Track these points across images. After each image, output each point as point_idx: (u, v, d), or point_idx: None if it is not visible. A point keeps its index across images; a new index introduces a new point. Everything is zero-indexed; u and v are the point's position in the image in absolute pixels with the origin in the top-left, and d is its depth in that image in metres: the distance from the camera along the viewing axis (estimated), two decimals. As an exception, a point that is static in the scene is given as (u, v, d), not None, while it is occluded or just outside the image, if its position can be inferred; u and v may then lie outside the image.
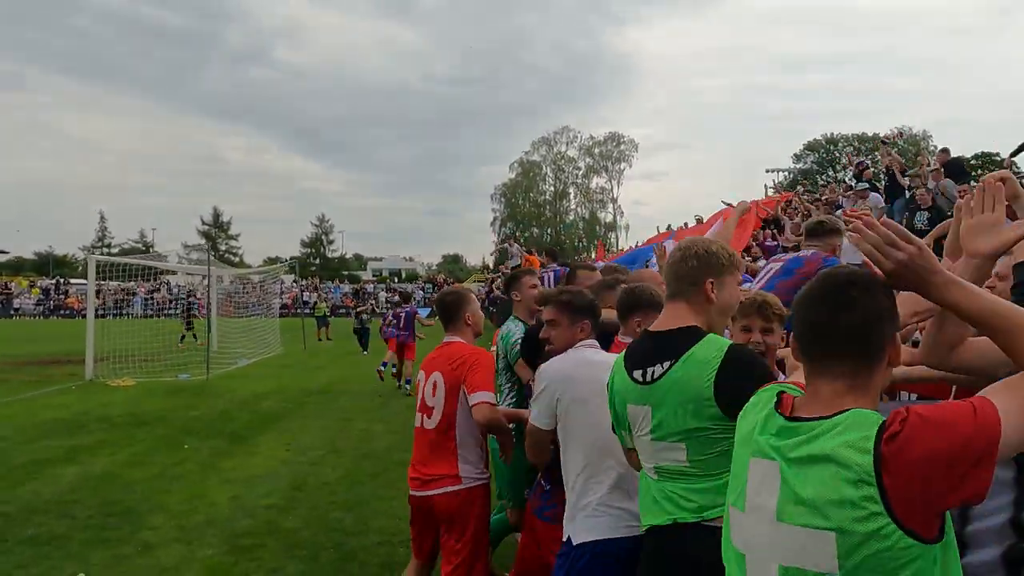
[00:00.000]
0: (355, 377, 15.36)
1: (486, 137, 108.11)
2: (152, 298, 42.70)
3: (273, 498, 6.29)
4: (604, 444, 2.75)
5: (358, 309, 26.04)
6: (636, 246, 20.46)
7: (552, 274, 6.22)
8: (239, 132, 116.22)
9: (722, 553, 1.65)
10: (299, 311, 30.38)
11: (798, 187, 24.67)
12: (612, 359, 2.92)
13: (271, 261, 61.61)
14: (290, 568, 4.76)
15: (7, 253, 62.34)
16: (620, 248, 46.30)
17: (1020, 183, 2.23)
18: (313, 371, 16.78)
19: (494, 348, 4.37)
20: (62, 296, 51.21)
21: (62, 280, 55.59)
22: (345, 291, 53.35)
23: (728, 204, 7.61)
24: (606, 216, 72.83)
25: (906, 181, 13.40)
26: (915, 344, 2.87)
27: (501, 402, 4.05)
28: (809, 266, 4.12)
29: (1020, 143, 9.72)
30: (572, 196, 73.79)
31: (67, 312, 47.47)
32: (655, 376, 2.23)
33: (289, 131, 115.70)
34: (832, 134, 59.15)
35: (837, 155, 56.60)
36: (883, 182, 14.73)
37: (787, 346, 2.30)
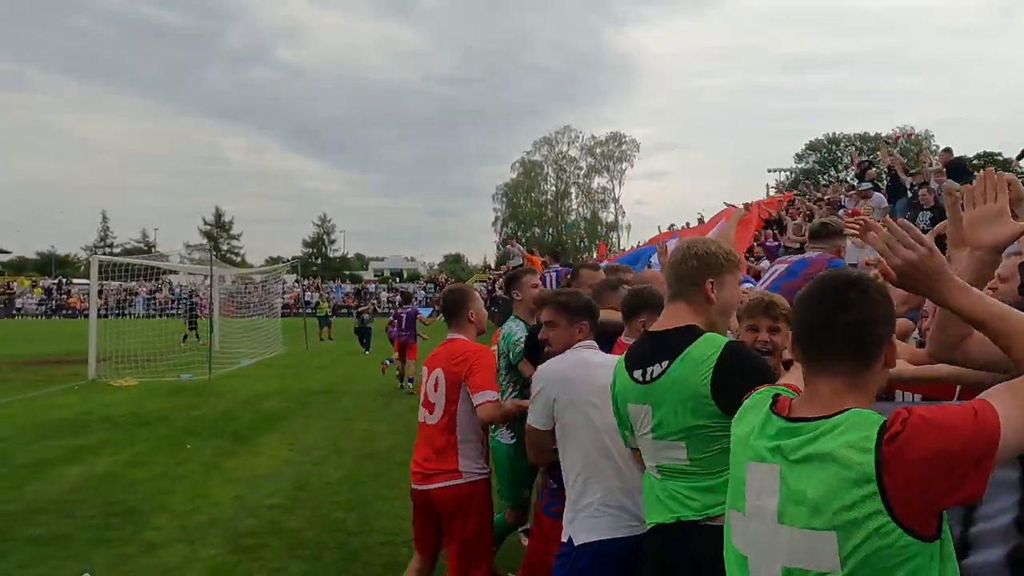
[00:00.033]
0: (357, 377, 15.37)
1: (487, 137, 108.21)
2: (154, 298, 42.74)
3: (276, 498, 6.30)
4: (602, 445, 2.76)
5: (360, 309, 26.07)
6: (638, 246, 20.45)
7: (554, 274, 6.26)
8: (240, 132, 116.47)
9: (724, 554, 1.66)
10: (301, 311, 30.42)
11: (799, 186, 24.67)
12: (610, 360, 2.93)
13: (273, 261, 61.63)
14: (293, 568, 4.76)
15: (9, 253, 62.31)
16: (622, 248, 46.32)
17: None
18: (315, 371, 16.80)
19: (495, 347, 4.37)
20: (64, 296, 51.27)
21: (64, 280, 55.65)
22: (347, 291, 53.41)
23: (729, 205, 7.62)
24: (608, 216, 72.90)
25: (909, 180, 13.39)
26: (920, 344, 2.87)
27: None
28: (814, 268, 4.13)
29: None
30: (574, 196, 73.84)
31: (69, 312, 47.52)
32: (654, 375, 2.25)
33: (291, 131, 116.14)
34: (834, 134, 59.07)
35: (839, 155, 56.54)
36: (885, 182, 14.72)
37: None
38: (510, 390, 4.20)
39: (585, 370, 2.90)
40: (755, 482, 1.51)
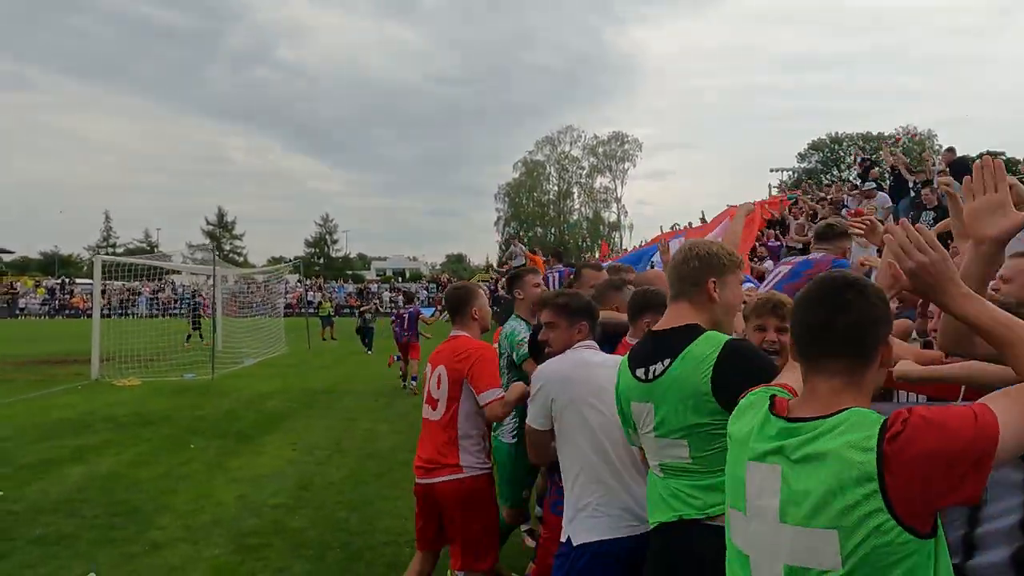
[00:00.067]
0: (359, 377, 15.39)
1: (489, 137, 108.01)
2: (157, 298, 42.81)
3: (279, 498, 6.31)
4: (600, 445, 2.78)
5: (362, 308, 26.09)
6: (640, 245, 20.44)
7: (557, 274, 6.26)
8: (242, 132, 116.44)
9: (726, 553, 1.67)
10: (303, 311, 30.44)
11: (802, 185, 24.62)
12: (610, 360, 2.95)
13: (275, 261, 61.69)
14: (297, 568, 4.77)
15: (12, 253, 62.57)
16: (624, 248, 46.28)
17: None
18: (318, 371, 16.82)
19: (496, 346, 4.38)
20: (67, 296, 51.38)
21: (67, 280, 55.77)
22: (349, 291, 53.46)
23: (732, 206, 7.61)
24: (610, 216, 72.76)
25: (912, 179, 13.39)
26: (925, 344, 2.87)
27: None
28: (818, 268, 4.12)
29: None
30: (576, 196, 73.71)
31: (72, 312, 47.63)
32: (656, 374, 2.27)
33: (292, 131, 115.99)
34: (837, 133, 58.99)
35: (842, 154, 56.46)
36: (888, 181, 14.71)
37: None
38: None
39: (584, 370, 2.92)
40: (756, 482, 1.52)
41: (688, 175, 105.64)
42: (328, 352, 21.82)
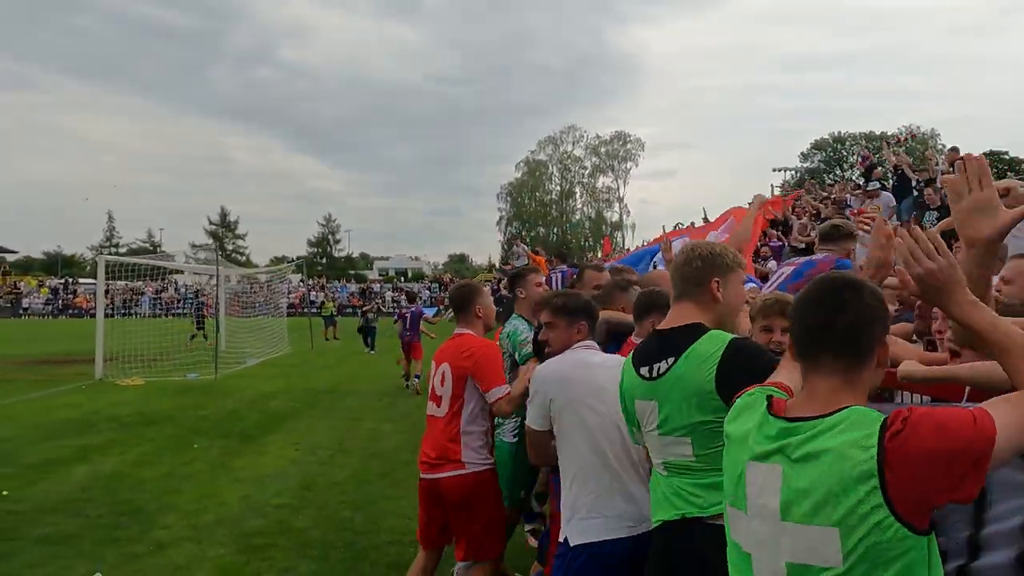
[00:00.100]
0: (362, 376, 15.41)
1: (492, 137, 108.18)
2: (160, 298, 42.87)
3: (283, 498, 6.32)
4: (597, 446, 2.78)
5: (364, 308, 26.11)
6: (643, 245, 20.43)
7: (560, 275, 6.23)
8: (245, 132, 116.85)
9: (727, 550, 1.69)
10: (306, 310, 30.46)
11: (805, 185, 24.61)
12: (610, 360, 2.96)
13: (278, 261, 61.73)
14: (301, 568, 4.78)
15: (16, 253, 62.66)
16: (626, 248, 46.29)
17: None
18: (320, 370, 16.84)
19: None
20: (71, 296, 51.45)
21: (71, 280, 55.87)
22: (352, 290, 53.45)
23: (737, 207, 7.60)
24: (612, 215, 72.79)
25: (915, 179, 13.38)
26: (929, 344, 2.87)
27: None
28: (820, 269, 4.11)
29: None
30: (578, 195, 73.73)
31: (76, 312, 47.69)
32: (660, 372, 2.28)
33: (295, 131, 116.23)
34: (840, 133, 58.97)
35: (845, 154, 56.44)
36: (891, 181, 14.69)
37: None
38: None
39: (583, 371, 2.93)
40: (757, 481, 1.54)
41: (690, 175, 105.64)
42: (331, 352, 21.84)
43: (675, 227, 17.01)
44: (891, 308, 3.07)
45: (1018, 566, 1.83)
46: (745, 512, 1.58)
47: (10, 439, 8.77)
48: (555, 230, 71.62)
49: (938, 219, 10.22)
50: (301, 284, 48.58)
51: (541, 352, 3.84)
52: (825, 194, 17.73)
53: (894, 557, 1.35)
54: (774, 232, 15.09)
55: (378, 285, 56.42)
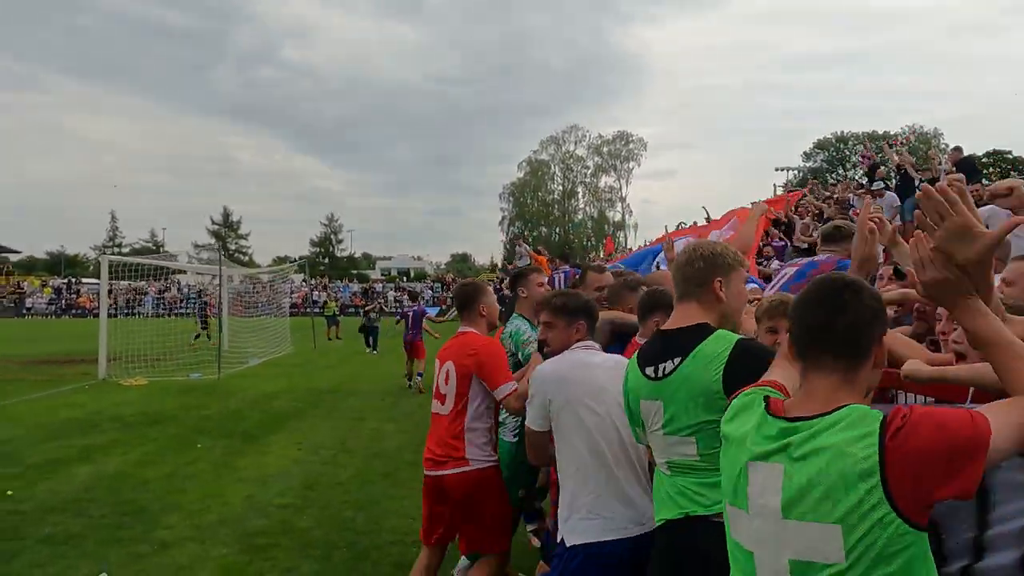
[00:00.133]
0: (365, 376, 15.42)
1: (494, 136, 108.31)
2: (163, 297, 42.94)
3: (286, 497, 6.33)
4: (596, 446, 2.79)
5: (366, 308, 26.14)
6: (645, 245, 20.42)
7: (563, 275, 6.24)
8: (248, 132, 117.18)
9: (728, 549, 1.71)
10: (309, 310, 30.49)
11: (808, 184, 24.59)
12: (610, 360, 2.97)
13: (280, 260, 61.85)
14: (304, 568, 4.79)
15: (19, 252, 62.79)
16: (629, 248, 46.28)
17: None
18: (323, 370, 16.85)
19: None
20: (74, 296, 51.58)
21: (74, 280, 55.98)
22: (354, 290, 53.52)
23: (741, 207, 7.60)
24: (615, 215, 72.80)
25: (918, 178, 13.35)
26: (932, 344, 2.86)
27: None
28: (822, 270, 4.11)
29: None
30: (581, 195, 73.77)
31: (79, 311, 47.79)
32: (666, 372, 2.29)
33: (298, 131, 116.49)
34: (842, 132, 58.89)
35: (847, 153, 56.35)
36: (894, 180, 14.67)
37: None
38: None
39: (581, 371, 2.93)
40: (758, 481, 1.57)
41: (694, 174, 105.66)
42: (333, 352, 21.86)
43: (677, 227, 17.00)
44: (890, 311, 3.07)
45: (1022, 567, 1.84)
46: (747, 511, 1.59)
47: (14, 439, 8.80)
48: (557, 230, 71.64)
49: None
50: (304, 284, 48.64)
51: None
52: (828, 194, 17.71)
53: (895, 553, 1.38)
54: (776, 232, 15.07)
55: (380, 285, 56.46)
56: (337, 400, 12.08)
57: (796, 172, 44.05)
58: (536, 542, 4.95)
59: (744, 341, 2.27)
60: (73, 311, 48.83)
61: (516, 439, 4.14)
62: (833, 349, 1.57)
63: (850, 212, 12.32)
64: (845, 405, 1.50)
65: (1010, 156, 36.58)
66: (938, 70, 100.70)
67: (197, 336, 22.88)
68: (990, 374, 1.79)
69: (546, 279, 4.83)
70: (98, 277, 18.04)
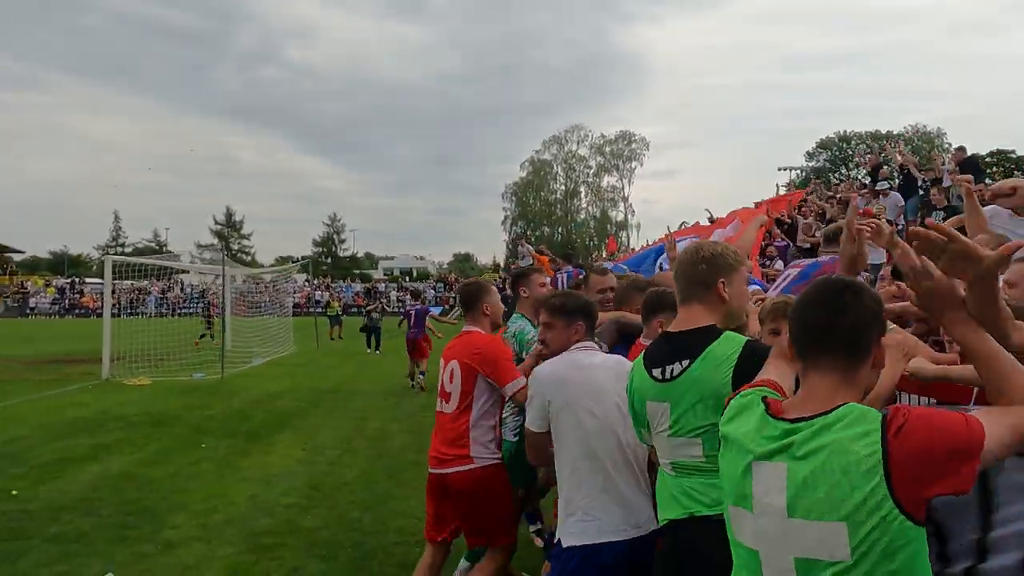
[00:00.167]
0: (368, 376, 15.44)
1: (497, 136, 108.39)
2: (165, 297, 43.02)
3: (291, 497, 6.35)
4: (593, 448, 2.79)
5: (368, 308, 26.18)
6: (647, 245, 20.41)
7: (565, 275, 6.26)
8: (251, 132, 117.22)
9: (732, 549, 1.73)
10: (312, 310, 30.54)
11: (811, 184, 24.55)
12: (610, 360, 2.98)
13: (283, 260, 61.85)
14: (311, 567, 4.81)
15: (23, 252, 62.95)
16: (631, 248, 46.24)
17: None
18: (326, 370, 16.88)
19: None
20: (77, 295, 51.66)
21: (77, 279, 56.08)
22: (357, 290, 53.54)
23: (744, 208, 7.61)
24: (617, 215, 72.76)
25: (921, 178, 13.34)
26: (936, 344, 2.87)
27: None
28: (826, 271, 4.13)
29: None
30: (583, 195, 73.79)
31: (82, 311, 47.88)
32: (674, 374, 2.29)
33: (300, 131, 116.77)
34: (845, 132, 58.76)
35: (850, 153, 56.22)
36: (897, 180, 14.66)
37: None
38: None
39: (580, 372, 2.93)
40: (762, 481, 1.58)
41: (696, 174, 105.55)
42: (336, 351, 21.89)
43: (680, 226, 17.00)
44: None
45: (1026, 568, 1.85)
46: (751, 511, 1.61)
47: (19, 439, 8.83)
48: (560, 229, 71.65)
49: (943, 219, 10.19)
50: (306, 284, 48.75)
51: None
52: (831, 193, 17.69)
53: (898, 549, 1.41)
54: (778, 232, 15.07)
55: (383, 284, 56.49)
56: (340, 400, 12.10)
57: (799, 172, 43.96)
58: (539, 542, 4.97)
59: (752, 343, 2.28)
60: (76, 311, 48.91)
61: (516, 438, 4.16)
62: (833, 349, 1.60)
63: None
64: (844, 404, 1.53)
65: (1014, 156, 36.43)
66: (941, 70, 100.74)
67: (202, 336, 22.93)
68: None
69: (548, 279, 4.85)
70: (101, 277, 18.08)
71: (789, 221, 14.59)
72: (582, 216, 72.88)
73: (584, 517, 2.75)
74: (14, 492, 6.45)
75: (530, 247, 22.60)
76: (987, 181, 13.75)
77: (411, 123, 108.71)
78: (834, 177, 47.47)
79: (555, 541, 2.86)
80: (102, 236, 72.43)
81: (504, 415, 4.03)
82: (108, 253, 38.56)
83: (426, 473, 3.87)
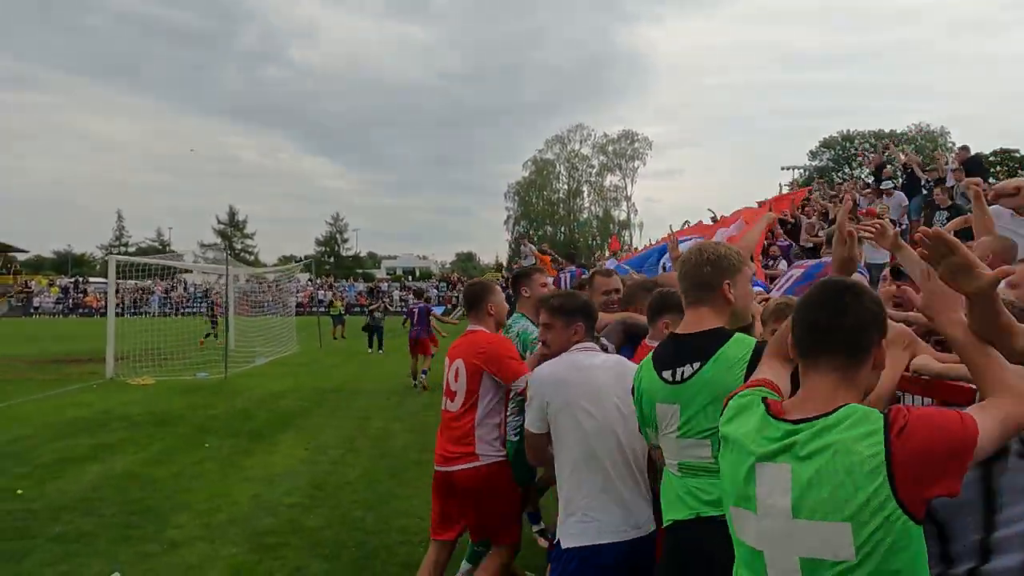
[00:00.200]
0: (371, 375, 15.46)
1: (499, 136, 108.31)
2: (169, 297, 43.09)
3: (294, 497, 6.36)
4: (590, 451, 2.79)
5: (371, 307, 26.19)
6: (650, 244, 20.39)
7: (569, 275, 6.27)
8: (254, 132, 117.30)
9: (735, 550, 1.74)
10: (315, 309, 30.57)
11: (814, 183, 24.51)
12: (610, 360, 2.98)
13: (286, 260, 61.97)
14: (314, 567, 4.81)
15: (27, 252, 63.07)
16: (634, 247, 46.19)
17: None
18: (329, 369, 16.90)
19: None
20: (81, 295, 51.78)
21: (81, 279, 56.22)
22: (360, 289, 53.57)
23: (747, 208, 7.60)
24: (620, 214, 72.72)
25: (924, 177, 13.31)
26: (939, 343, 2.87)
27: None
28: (829, 271, 4.13)
29: None
30: (586, 194, 73.71)
31: (86, 311, 48.01)
32: (685, 376, 2.29)
33: (304, 130, 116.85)
34: (848, 131, 58.62)
35: (853, 152, 56.10)
36: (901, 180, 14.64)
37: None
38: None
39: (579, 373, 2.93)
40: (766, 481, 1.59)
41: (698, 173, 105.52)
42: (339, 351, 21.92)
43: (683, 225, 16.97)
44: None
45: (1029, 569, 1.85)
46: (754, 512, 1.61)
47: (23, 438, 8.85)
48: (563, 229, 71.59)
49: (947, 218, 10.18)
50: (309, 283, 48.80)
51: None
52: (834, 193, 17.66)
53: (902, 547, 1.43)
54: (781, 231, 15.02)
55: (386, 284, 56.51)
56: (343, 399, 12.11)
57: (802, 171, 43.86)
58: (543, 542, 4.97)
59: (762, 344, 2.28)
60: (80, 310, 49.04)
61: (517, 438, 4.17)
62: (833, 350, 1.61)
63: (856, 212, 12.27)
64: (845, 404, 1.54)
65: (1017, 155, 36.36)
66: (944, 69, 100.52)
67: (207, 335, 22.97)
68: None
69: (549, 279, 4.85)
70: (105, 276, 18.11)
71: (792, 221, 14.56)
72: (585, 215, 72.82)
73: (584, 518, 2.75)
74: (19, 491, 6.47)
75: (533, 247, 22.59)
76: (991, 180, 13.70)
77: (413, 123, 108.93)
78: (838, 176, 47.40)
79: (555, 542, 2.86)
80: (105, 236, 72.78)
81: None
82: (112, 253, 38.63)
83: (429, 472, 3.89)
